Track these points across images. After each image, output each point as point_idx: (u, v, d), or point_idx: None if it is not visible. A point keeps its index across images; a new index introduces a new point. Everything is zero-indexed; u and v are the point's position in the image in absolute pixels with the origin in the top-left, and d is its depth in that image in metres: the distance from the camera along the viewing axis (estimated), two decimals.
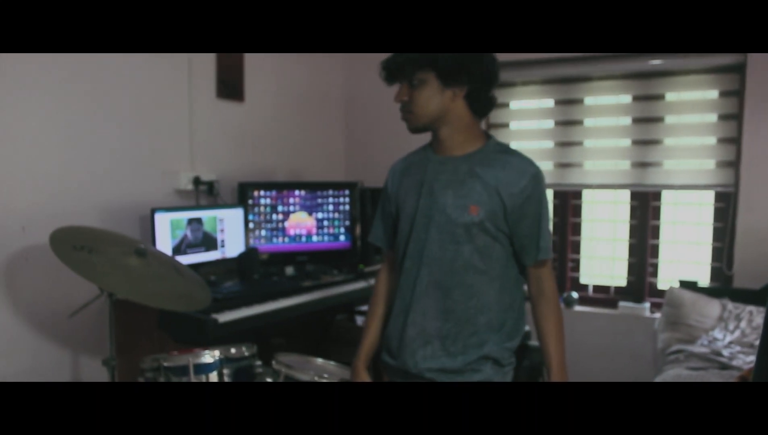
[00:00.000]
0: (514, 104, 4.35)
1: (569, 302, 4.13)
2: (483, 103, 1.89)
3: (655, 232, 4.06)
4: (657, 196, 4.03)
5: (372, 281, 3.59)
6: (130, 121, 3.14)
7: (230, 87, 3.65)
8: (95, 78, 2.97)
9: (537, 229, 1.88)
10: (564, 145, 4.19)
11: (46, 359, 2.84)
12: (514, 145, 4.31)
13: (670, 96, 3.91)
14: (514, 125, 4.37)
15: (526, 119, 4.38)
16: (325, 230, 3.73)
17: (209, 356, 2.42)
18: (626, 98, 4.01)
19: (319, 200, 3.71)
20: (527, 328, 2.04)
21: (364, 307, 4.09)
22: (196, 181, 3.41)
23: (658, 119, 3.93)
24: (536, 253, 1.90)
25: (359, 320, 4.17)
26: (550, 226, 1.96)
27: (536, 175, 1.87)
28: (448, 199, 1.87)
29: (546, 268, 1.94)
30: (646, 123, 3.95)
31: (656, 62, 3.79)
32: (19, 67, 2.67)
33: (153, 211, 2.98)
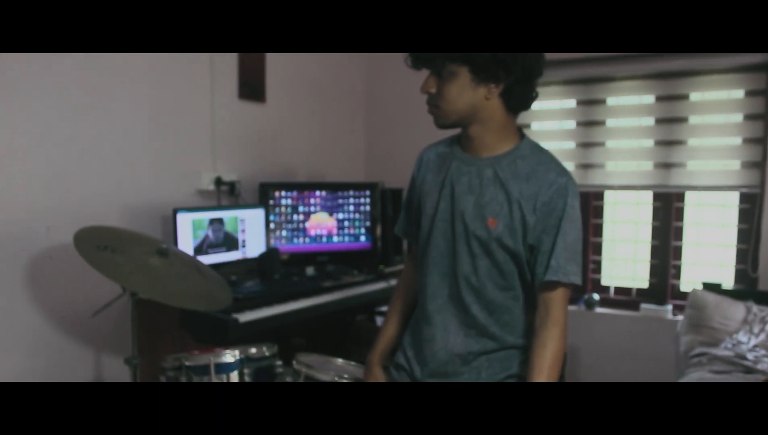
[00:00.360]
0: (536, 105, 4.30)
1: (590, 304, 4.09)
2: (521, 100, 1.71)
3: (678, 234, 4.01)
4: (680, 197, 3.98)
5: (393, 282, 3.60)
6: (153, 122, 3.16)
7: (252, 88, 3.66)
8: (119, 79, 3.00)
9: (551, 244, 1.66)
10: (586, 145, 4.16)
11: (69, 357, 2.88)
12: None
13: (695, 96, 3.86)
14: (535, 126, 4.34)
15: (548, 120, 4.35)
16: (346, 231, 3.74)
17: (230, 356, 2.43)
18: (649, 98, 3.97)
19: (340, 201, 3.71)
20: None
21: (385, 308, 4.07)
22: (218, 182, 3.43)
23: (682, 119, 3.88)
24: (544, 272, 1.67)
25: (379, 321, 4.17)
26: (577, 248, 1.69)
27: (562, 187, 1.66)
28: (468, 205, 1.73)
29: (558, 294, 1.68)
30: (670, 123, 3.91)
31: (680, 62, 3.75)
32: (42, 69, 2.70)
33: (175, 212, 3.00)
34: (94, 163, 2.92)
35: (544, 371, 1.63)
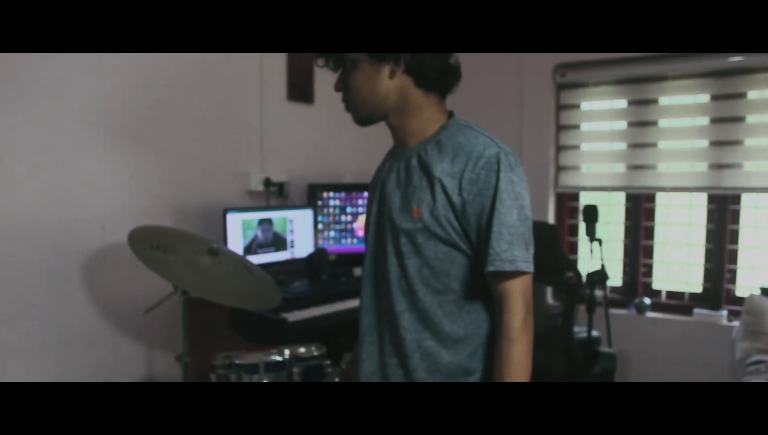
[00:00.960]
0: (585, 105, 4.26)
1: (641, 308, 4.02)
2: (432, 74, 1.49)
3: (734, 237, 3.91)
4: (736, 199, 3.88)
5: None
6: (204, 123, 3.21)
7: (301, 90, 3.69)
8: (172, 80, 3.05)
9: (487, 229, 1.39)
10: (637, 146, 4.08)
11: (122, 353, 2.93)
12: (585, 147, 4.25)
13: (752, 94, 3.76)
14: (585, 127, 4.28)
15: (598, 120, 4.28)
16: None
17: (279, 355, 2.45)
18: (704, 97, 3.88)
19: None
20: (596, 332, 1.91)
21: None
22: (267, 183, 3.46)
23: (739, 119, 3.78)
24: (485, 263, 1.40)
25: None
26: (522, 229, 1.41)
27: (492, 160, 1.41)
28: (395, 201, 1.52)
29: (508, 288, 1.40)
30: (726, 123, 3.81)
31: (736, 59, 3.65)
32: (94, 70, 2.76)
33: (225, 212, 3.04)
34: (146, 165, 2.98)
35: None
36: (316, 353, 2.56)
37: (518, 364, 1.36)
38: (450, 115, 1.56)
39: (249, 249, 3.15)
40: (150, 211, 2.95)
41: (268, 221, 3.25)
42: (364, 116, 1.57)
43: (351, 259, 3.66)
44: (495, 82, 4.38)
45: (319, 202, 3.60)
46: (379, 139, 4.31)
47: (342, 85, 1.55)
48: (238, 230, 3.09)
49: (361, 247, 3.68)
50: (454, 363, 1.48)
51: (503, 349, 1.37)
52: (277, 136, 3.60)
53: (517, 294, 1.39)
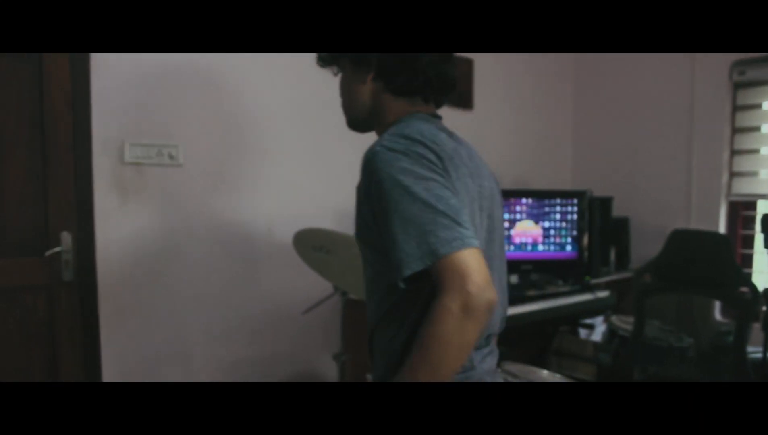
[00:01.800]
0: None
1: None
2: (402, 79, 1.40)
3: None
4: None
5: (599, 294, 3.46)
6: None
7: (460, 96, 3.70)
8: (334, 85, 3.14)
9: (390, 236, 1.21)
10: (739, 153, 3.79)
11: (282, 349, 3.07)
12: (765, 151, 3.94)
13: None
14: (766, 128, 3.96)
15: None
16: (551, 239, 3.65)
17: None
18: None
19: (546, 209, 3.63)
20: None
21: (589, 320, 3.94)
22: None
23: None
24: (398, 275, 1.21)
25: (583, 333, 4.03)
26: (422, 220, 1.18)
27: (369, 159, 1.27)
28: None
29: (440, 275, 1.17)
30: None
31: None
32: (270, 75, 2.90)
33: None
34: (310, 169, 3.09)
35: (400, 374, 1.23)
36: None
37: (430, 358, 1.18)
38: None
39: None
40: (313, 214, 3.07)
41: None
42: (350, 119, 1.54)
43: (507, 266, 3.59)
44: (662, 83, 4.17)
45: None
46: (537, 146, 4.25)
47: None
48: None
49: (517, 254, 3.62)
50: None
51: (420, 340, 1.19)
52: None
53: (449, 280, 1.16)
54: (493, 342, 1.48)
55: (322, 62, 1.55)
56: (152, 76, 2.61)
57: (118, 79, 2.51)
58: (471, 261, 1.15)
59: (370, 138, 3.23)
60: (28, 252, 2.43)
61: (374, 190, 1.24)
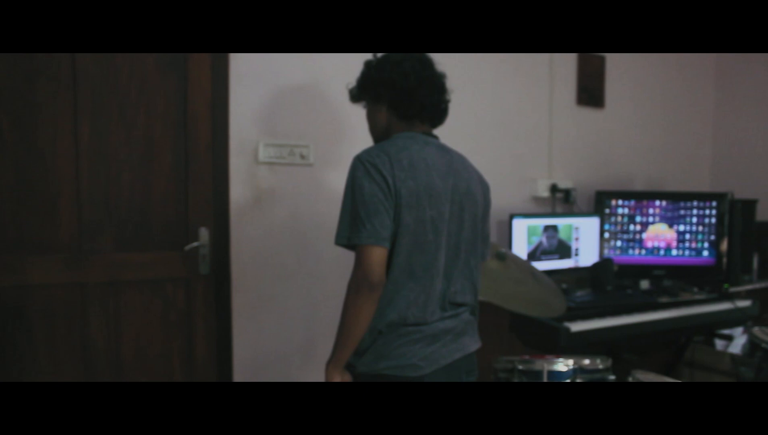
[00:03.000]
0: None
1: None
2: (407, 109, 1.85)
3: None
4: None
5: (739, 303, 3.26)
6: (494, 126, 3.25)
7: (590, 93, 3.59)
8: (462, 86, 3.13)
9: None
10: None
11: None
12: None
13: None
14: None
15: None
16: (687, 244, 3.47)
17: (563, 365, 2.40)
18: None
19: (682, 211, 3.46)
20: None
21: (726, 331, 3.72)
22: (553, 189, 3.41)
23: None
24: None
25: (719, 345, 3.81)
26: (345, 210, 1.76)
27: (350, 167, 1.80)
28: None
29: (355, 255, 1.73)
30: None
31: None
32: None
33: (511, 217, 3.06)
34: None
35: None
36: (601, 366, 2.46)
37: (345, 307, 1.75)
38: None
39: (533, 255, 3.13)
40: None
41: (554, 228, 3.20)
42: (373, 137, 1.97)
43: (637, 270, 3.47)
44: None
45: (607, 210, 3.47)
46: (672, 146, 4.06)
47: None
48: (523, 236, 3.09)
49: (649, 259, 3.48)
50: None
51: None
52: (565, 142, 3.53)
53: (358, 260, 1.71)
54: (463, 310, 1.90)
55: (353, 99, 2.00)
56: (285, 77, 2.68)
57: (253, 82, 2.60)
58: (368, 252, 1.69)
59: (502, 143, 3.20)
60: (170, 246, 2.57)
61: (347, 183, 1.77)
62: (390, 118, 1.89)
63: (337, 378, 1.77)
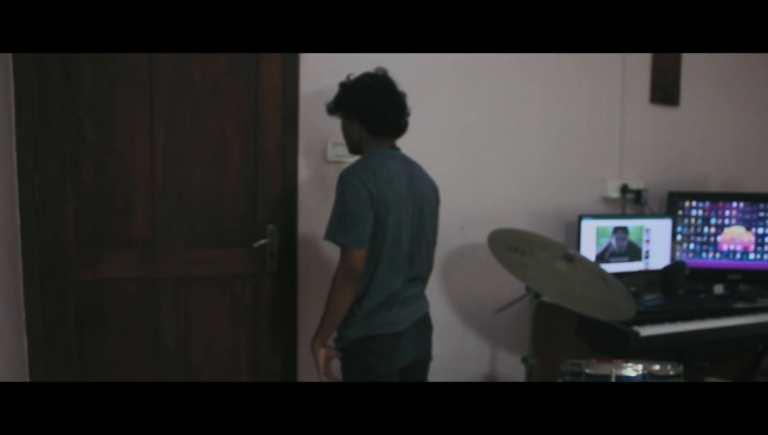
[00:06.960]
0: None
1: None
2: (376, 124, 2.16)
3: None
4: None
5: None
6: (562, 126, 3.21)
7: (665, 91, 3.49)
8: (530, 85, 3.10)
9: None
10: None
11: (469, 347, 3.08)
12: None
13: None
14: None
15: None
16: (766, 248, 3.35)
17: (632, 369, 2.35)
18: None
19: (761, 214, 3.33)
20: None
21: None
22: (624, 189, 3.34)
23: None
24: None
25: None
26: (334, 213, 2.09)
27: (340, 175, 2.09)
28: None
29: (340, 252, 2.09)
30: None
31: None
32: (467, 75, 2.91)
33: (580, 218, 3.00)
34: (505, 169, 3.07)
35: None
36: (671, 372, 2.39)
37: (331, 290, 2.08)
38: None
39: (601, 257, 3.07)
40: (506, 215, 3.05)
41: (624, 229, 3.13)
42: (348, 148, 2.29)
43: (711, 274, 3.36)
44: None
45: (680, 212, 3.37)
46: (751, 146, 3.91)
47: None
48: (592, 237, 3.03)
49: (724, 262, 3.37)
50: None
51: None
52: (637, 141, 3.45)
53: (342, 256, 2.06)
54: (418, 281, 2.28)
55: (329, 112, 2.27)
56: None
57: (323, 81, 2.63)
58: (353, 253, 2.04)
59: (571, 142, 3.15)
60: (239, 243, 2.62)
61: (336, 191, 2.09)
62: (362, 133, 2.20)
63: (321, 351, 2.12)
